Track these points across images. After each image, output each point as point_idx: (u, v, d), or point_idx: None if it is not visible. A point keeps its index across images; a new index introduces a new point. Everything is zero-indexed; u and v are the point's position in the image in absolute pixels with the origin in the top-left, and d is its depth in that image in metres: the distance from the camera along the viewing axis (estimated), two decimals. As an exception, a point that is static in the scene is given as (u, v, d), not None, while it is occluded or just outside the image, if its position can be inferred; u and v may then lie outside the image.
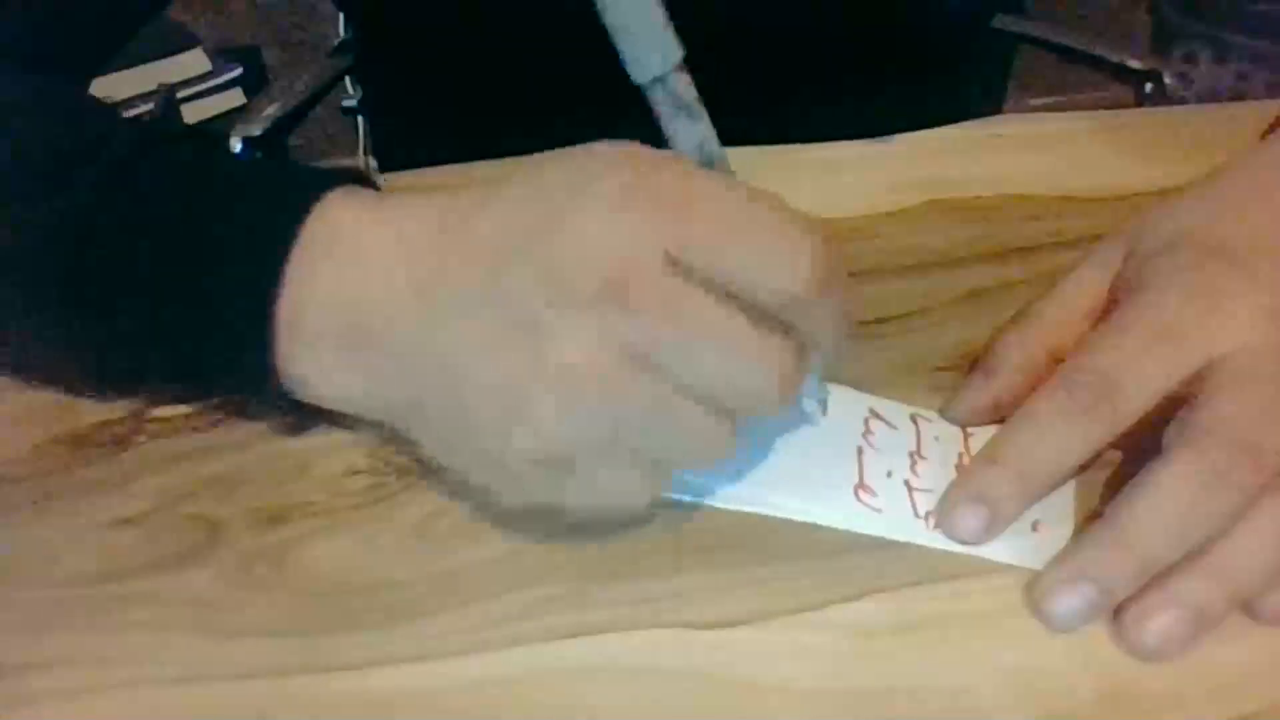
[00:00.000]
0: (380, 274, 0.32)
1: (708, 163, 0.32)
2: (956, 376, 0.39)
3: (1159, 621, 0.30)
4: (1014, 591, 0.32)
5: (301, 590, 0.32)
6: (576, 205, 0.29)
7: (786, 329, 0.30)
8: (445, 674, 0.30)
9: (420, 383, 0.32)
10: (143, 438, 0.37)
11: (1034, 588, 0.31)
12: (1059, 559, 0.32)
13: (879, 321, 0.42)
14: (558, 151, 0.31)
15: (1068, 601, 0.31)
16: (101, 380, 0.38)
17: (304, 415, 0.36)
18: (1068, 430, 0.33)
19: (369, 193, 0.34)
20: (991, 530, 0.33)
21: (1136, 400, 0.33)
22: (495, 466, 0.31)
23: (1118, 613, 0.31)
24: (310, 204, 0.33)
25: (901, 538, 0.33)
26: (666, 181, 0.29)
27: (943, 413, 0.38)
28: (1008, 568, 0.32)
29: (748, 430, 0.32)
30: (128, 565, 0.33)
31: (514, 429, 0.29)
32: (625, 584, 0.32)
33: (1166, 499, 0.30)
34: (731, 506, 0.34)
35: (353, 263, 0.32)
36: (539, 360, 0.28)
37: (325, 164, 0.36)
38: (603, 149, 0.30)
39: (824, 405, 0.35)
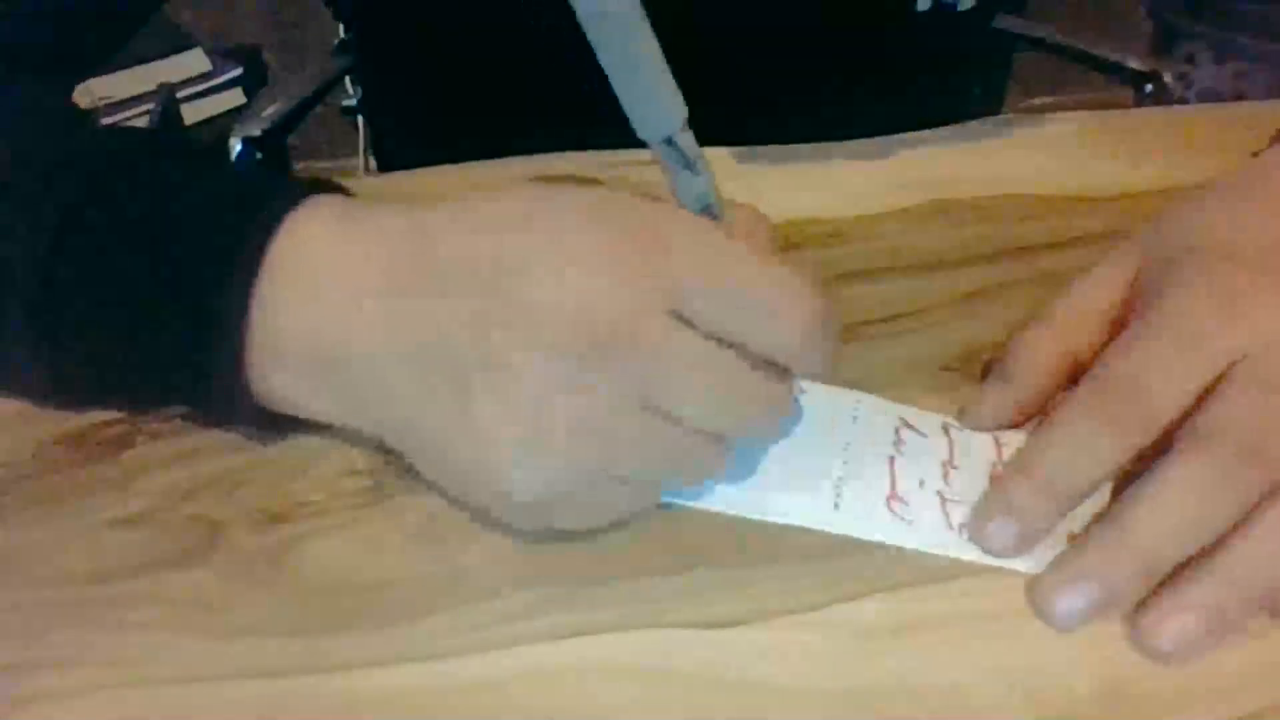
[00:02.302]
0: (342, 301, 0.31)
1: (708, 215, 0.33)
2: (957, 377, 0.39)
3: (1175, 624, 0.30)
4: (1014, 591, 0.32)
5: (301, 590, 0.32)
6: (564, 247, 0.29)
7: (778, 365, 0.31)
8: (445, 674, 0.30)
9: (384, 414, 0.32)
10: (143, 438, 0.37)
11: (1036, 587, 0.31)
12: (1061, 559, 0.32)
13: (879, 321, 0.42)
14: (550, 183, 0.31)
15: (1069, 601, 0.31)
16: (68, 398, 0.37)
17: (272, 429, 0.35)
18: (1098, 440, 0.32)
19: (339, 205, 0.33)
20: (1023, 543, 0.33)
21: (1166, 407, 0.32)
22: (470, 497, 0.32)
23: (1133, 616, 0.30)
24: (278, 221, 0.32)
25: (935, 551, 0.33)
26: (668, 231, 0.30)
27: (961, 417, 0.37)
28: (1007, 568, 0.32)
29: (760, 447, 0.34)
30: (128, 565, 0.33)
31: (483, 475, 0.30)
32: (625, 584, 0.32)
33: (1171, 499, 0.30)
34: (754, 517, 0.34)
35: (317, 288, 0.32)
36: (506, 407, 0.29)
37: (318, 164, 0.36)
38: (601, 192, 0.31)
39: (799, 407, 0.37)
